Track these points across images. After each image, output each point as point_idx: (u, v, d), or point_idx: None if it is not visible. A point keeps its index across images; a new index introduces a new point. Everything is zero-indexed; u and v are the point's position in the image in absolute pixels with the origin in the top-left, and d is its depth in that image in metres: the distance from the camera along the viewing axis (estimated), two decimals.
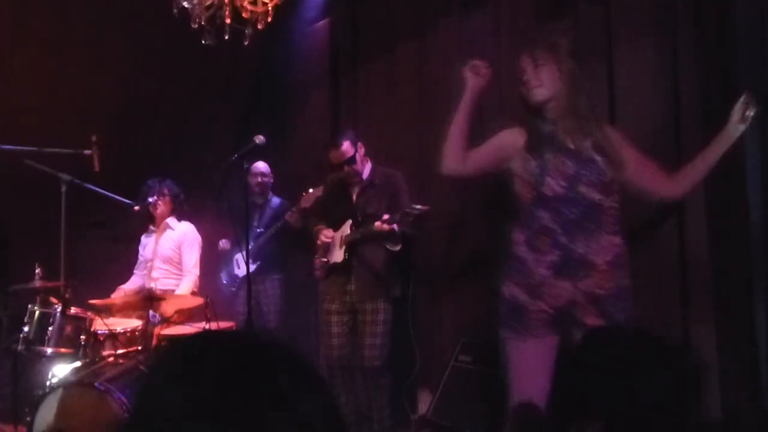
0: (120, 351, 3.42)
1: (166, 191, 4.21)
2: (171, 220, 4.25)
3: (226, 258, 4.72)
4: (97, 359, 3.33)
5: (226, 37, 3.49)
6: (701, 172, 2.45)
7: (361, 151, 3.57)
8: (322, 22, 5.07)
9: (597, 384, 1.32)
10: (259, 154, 4.19)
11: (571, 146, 2.41)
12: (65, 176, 3.54)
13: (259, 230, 4.59)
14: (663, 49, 2.96)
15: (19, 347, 3.27)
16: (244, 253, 3.09)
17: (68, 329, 3.31)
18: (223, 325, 3.62)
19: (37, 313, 3.32)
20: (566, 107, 2.42)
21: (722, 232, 2.72)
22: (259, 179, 4.61)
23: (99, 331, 3.45)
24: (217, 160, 5.14)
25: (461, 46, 3.96)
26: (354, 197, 3.61)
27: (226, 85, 5.26)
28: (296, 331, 4.84)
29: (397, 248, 3.46)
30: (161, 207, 4.19)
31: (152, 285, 4.09)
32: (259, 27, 3.54)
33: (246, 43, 3.53)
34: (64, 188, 3.55)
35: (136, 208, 3.99)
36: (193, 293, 4.06)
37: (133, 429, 0.73)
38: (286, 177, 4.81)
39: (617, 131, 2.55)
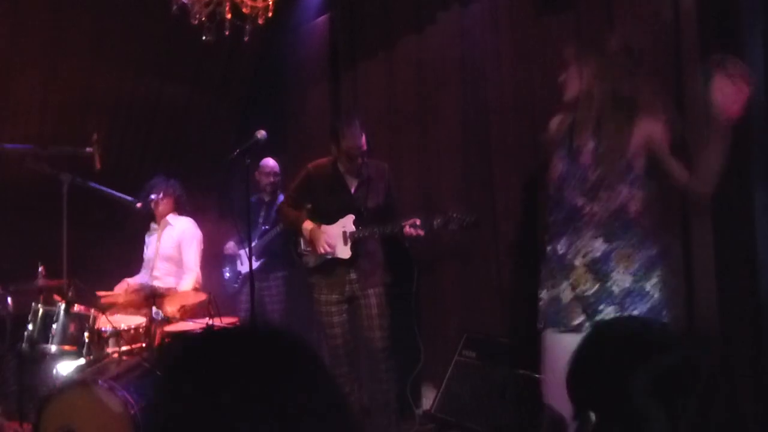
0: (123, 348, 3.41)
1: (170, 190, 4.20)
2: (171, 217, 4.24)
3: (231, 256, 4.73)
4: (100, 357, 3.33)
5: (226, 33, 3.48)
6: (713, 158, 2.21)
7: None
8: (321, 18, 5.07)
9: (590, 376, 1.31)
10: (261, 149, 4.17)
11: (574, 145, 2.43)
12: (66, 175, 3.54)
13: (264, 227, 4.58)
14: (665, 43, 2.95)
15: (24, 346, 3.28)
16: (248, 249, 3.07)
17: (72, 327, 3.31)
18: (227, 320, 3.61)
19: (40, 311, 3.32)
20: (586, 107, 2.42)
21: (727, 232, 2.71)
22: (272, 179, 4.60)
23: (102, 329, 3.45)
24: (217, 157, 5.16)
25: (460, 41, 3.96)
26: (352, 190, 3.56)
27: (225, 82, 5.26)
28: (300, 328, 4.84)
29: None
30: (163, 205, 4.18)
31: (154, 283, 4.09)
32: (260, 22, 3.53)
33: (246, 39, 3.53)
34: (65, 187, 3.55)
35: (138, 205, 3.98)
36: (196, 289, 4.05)
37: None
38: (285, 173, 4.81)
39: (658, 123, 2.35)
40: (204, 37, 3.45)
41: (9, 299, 3.66)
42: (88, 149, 3.58)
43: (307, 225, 3.52)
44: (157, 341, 3.48)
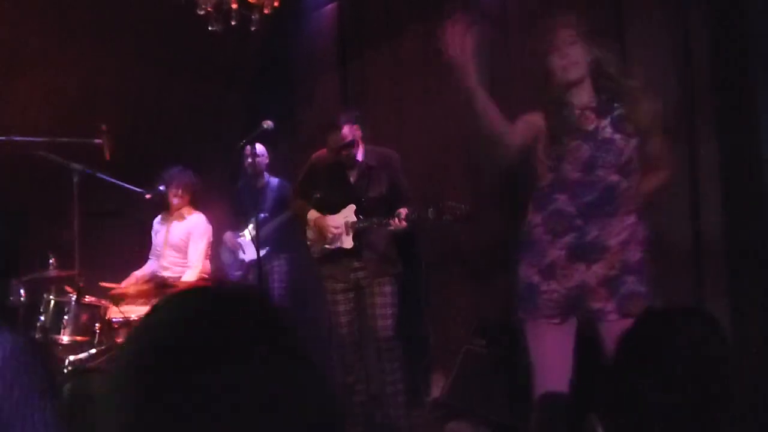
0: None
1: (189, 185, 4.19)
2: (184, 210, 4.26)
3: (231, 247, 4.71)
4: (112, 346, 3.36)
5: (233, 23, 3.48)
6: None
7: (358, 132, 3.51)
8: (328, 7, 5.05)
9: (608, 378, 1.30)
10: (268, 138, 4.16)
11: (589, 128, 2.37)
12: (77, 166, 3.55)
13: (262, 215, 4.56)
14: (675, 29, 2.92)
15: (36, 335, 3.31)
16: (252, 235, 3.02)
17: (83, 317, 3.34)
18: None
19: (52, 302, 3.36)
20: (590, 88, 2.39)
21: (738, 212, 2.69)
22: (249, 160, 4.48)
23: (114, 319, 3.48)
24: (226, 147, 5.16)
25: (468, 29, 3.93)
26: (353, 180, 3.54)
27: (233, 72, 5.26)
28: (304, 307, 4.84)
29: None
30: (180, 199, 4.18)
31: (164, 273, 4.12)
32: (266, 12, 3.53)
33: (253, 28, 3.52)
34: (76, 178, 3.56)
35: (148, 196, 4.00)
36: (204, 280, 4.07)
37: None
38: (294, 163, 4.80)
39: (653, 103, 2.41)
40: (210, 28, 3.45)
41: (22, 290, 3.69)
42: (97, 140, 3.58)
43: (312, 214, 3.56)
44: None
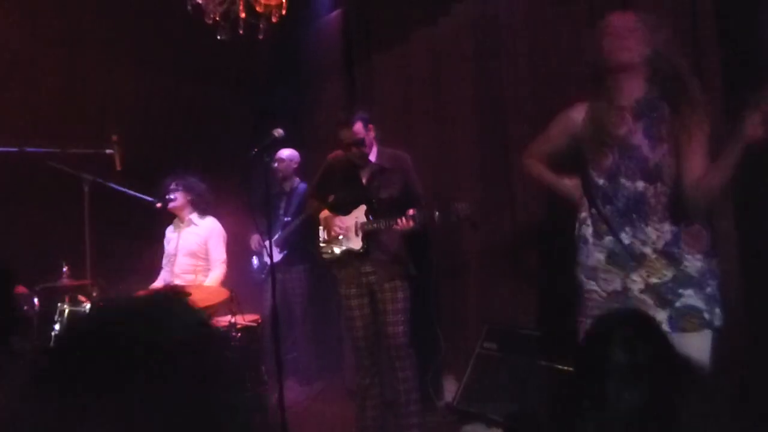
0: None
1: (185, 190, 4.21)
2: (194, 216, 4.28)
3: (257, 251, 4.78)
4: None
5: (241, 32, 3.49)
6: (724, 170, 2.12)
7: (371, 134, 3.51)
8: (334, 13, 5.08)
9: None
10: (277, 147, 4.21)
11: (621, 132, 2.29)
12: (88, 176, 3.58)
13: (286, 219, 4.61)
14: (682, 22, 2.92)
15: (51, 345, 3.33)
16: (276, 239, 3.04)
17: None
18: (249, 318, 3.65)
19: (66, 311, 3.39)
20: (642, 80, 2.28)
21: (747, 212, 2.68)
22: (275, 165, 4.63)
23: None
24: (235, 154, 5.18)
25: (475, 32, 3.94)
26: (364, 181, 3.54)
27: (241, 79, 5.28)
28: (322, 320, 4.88)
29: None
30: (178, 201, 4.20)
31: (175, 281, 4.14)
32: (273, 20, 3.54)
33: (261, 37, 3.53)
34: (86, 188, 3.59)
35: (158, 205, 4.03)
36: (220, 286, 4.10)
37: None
38: (302, 167, 4.83)
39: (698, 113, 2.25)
40: (219, 37, 3.46)
41: (36, 299, 3.71)
42: (108, 150, 3.61)
43: (323, 214, 3.62)
44: None
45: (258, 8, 3.52)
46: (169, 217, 4.34)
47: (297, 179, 4.74)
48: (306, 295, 4.70)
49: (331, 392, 4.67)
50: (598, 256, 2.35)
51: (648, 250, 2.26)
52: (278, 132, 3.00)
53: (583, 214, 2.43)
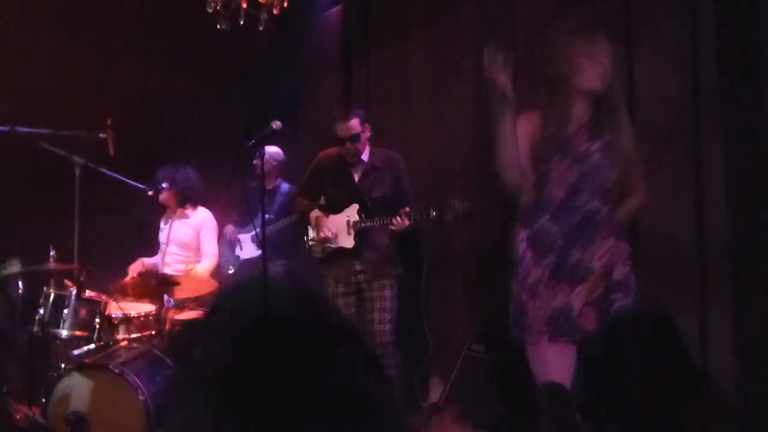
0: (134, 335, 3.43)
1: (174, 182, 4.15)
2: (188, 207, 4.25)
3: (230, 241, 4.68)
4: (111, 342, 3.35)
5: (241, 22, 3.47)
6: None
7: (367, 133, 3.52)
8: (334, 9, 5.06)
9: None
10: (274, 139, 4.15)
11: (581, 149, 2.38)
12: (79, 159, 3.53)
13: (267, 216, 4.54)
14: (682, 30, 2.93)
15: (35, 329, 3.29)
16: (255, 235, 3.01)
17: (83, 312, 3.32)
18: None
19: (52, 295, 3.34)
20: (591, 106, 2.39)
21: (742, 214, 2.70)
22: (256, 160, 4.45)
23: (113, 315, 3.46)
24: (229, 146, 5.15)
25: (475, 32, 3.94)
26: (357, 180, 3.54)
27: (238, 71, 5.25)
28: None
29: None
30: (164, 194, 4.15)
31: (165, 269, 4.10)
32: (275, 12, 3.52)
33: (261, 28, 3.52)
34: (78, 171, 3.53)
35: (150, 192, 3.99)
36: (210, 275, 4.08)
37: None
38: (296, 164, 4.80)
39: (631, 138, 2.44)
40: (219, 26, 3.44)
41: (20, 282, 3.67)
42: (101, 134, 3.56)
43: (314, 213, 3.60)
44: (167, 329, 3.48)
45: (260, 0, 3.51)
46: (162, 206, 4.30)
47: (279, 178, 4.64)
48: None
49: None
50: (540, 272, 2.39)
51: (596, 265, 2.35)
52: (276, 124, 2.98)
53: (520, 233, 2.47)
